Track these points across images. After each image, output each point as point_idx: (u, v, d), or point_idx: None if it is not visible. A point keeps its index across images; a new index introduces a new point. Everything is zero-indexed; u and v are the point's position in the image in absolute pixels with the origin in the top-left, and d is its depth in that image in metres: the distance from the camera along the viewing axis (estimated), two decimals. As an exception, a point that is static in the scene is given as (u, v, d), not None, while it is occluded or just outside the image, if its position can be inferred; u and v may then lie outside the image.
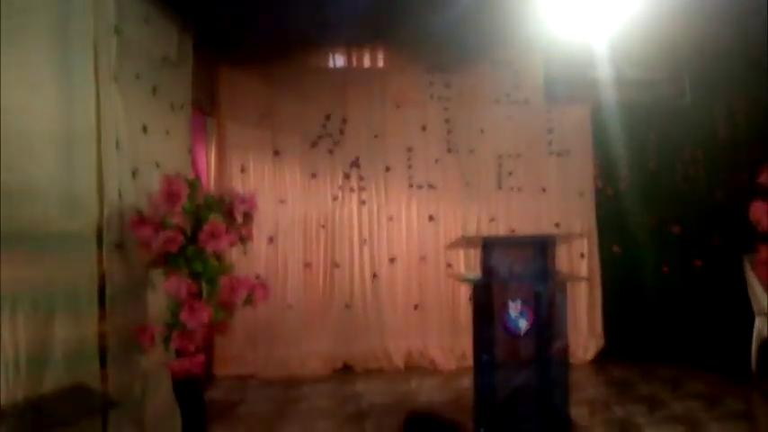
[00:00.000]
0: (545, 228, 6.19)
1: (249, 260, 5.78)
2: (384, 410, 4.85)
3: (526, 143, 6.34)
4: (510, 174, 6.33)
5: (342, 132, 6.17)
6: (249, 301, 3.27)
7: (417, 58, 6.24)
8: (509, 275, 3.86)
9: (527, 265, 3.90)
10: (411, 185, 6.26)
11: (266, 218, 5.92)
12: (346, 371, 6.05)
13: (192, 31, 4.69)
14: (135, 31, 3.68)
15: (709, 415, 4.58)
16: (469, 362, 4.72)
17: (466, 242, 5.39)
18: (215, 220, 3.13)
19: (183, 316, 3.02)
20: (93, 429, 3.04)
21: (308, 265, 6.11)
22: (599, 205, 6.42)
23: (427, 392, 5.38)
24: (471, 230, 6.21)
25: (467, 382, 5.04)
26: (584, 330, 6.30)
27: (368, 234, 6.21)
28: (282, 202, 6.11)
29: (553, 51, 6.11)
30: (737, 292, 5.54)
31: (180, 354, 3.17)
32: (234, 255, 5.33)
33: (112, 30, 3.37)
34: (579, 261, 6.34)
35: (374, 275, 6.19)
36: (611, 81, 6.09)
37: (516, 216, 6.29)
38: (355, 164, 6.19)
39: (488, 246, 3.92)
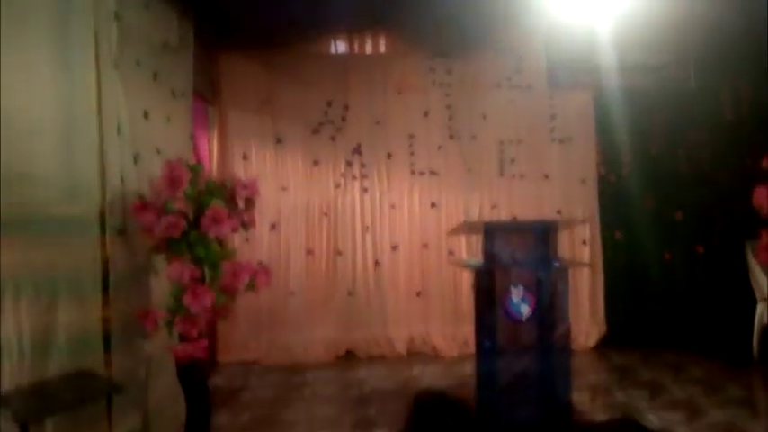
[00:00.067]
0: (547, 215, 6.17)
1: (252, 247, 5.81)
2: (387, 396, 4.88)
3: (528, 129, 6.31)
4: (512, 160, 6.31)
5: (343, 119, 6.16)
6: (252, 286, 3.27)
7: (419, 43, 6.20)
8: (511, 261, 3.86)
9: (529, 251, 3.90)
10: (413, 172, 6.25)
11: (268, 205, 5.93)
12: (349, 357, 6.08)
13: (193, 18, 4.67)
14: (135, 16, 3.66)
15: (710, 400, 4.59)
16: (471, 349, 4.72)
17: (468, 228, 5.39)
18: (217, 206, 3.13)
19: (186, 300, 3.03)
20: (97, 414, 3.06)
21: (310, 252, 6.12)
22: (601, 192, 6.39)
23: (429, 379, 5.40)
24: (473, 217, 6.20)
25: (469, 368, 5.06)
26: (586, 316, 6.30)
27: (370, 221, 6.21)
28: (284, 189, 6.11)
29: (556, 36, 6.07)
30: (739, 278, 5.54)
31: (183, 338, 3.18)
32: (236, 242, 5.37)
33: (112, 15, 3.35)
34: (581, 247, 6.33)
35: (376, 263, 6.20)
36: (615, 66, 6.04)
37: (518, 203, 6.28)
38: (357, 151, 6.18)
39: (490, 231, 3.92)
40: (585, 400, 4.67)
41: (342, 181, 6.18)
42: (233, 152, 6.06)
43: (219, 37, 5.74)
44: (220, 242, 3.23)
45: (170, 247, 3.12)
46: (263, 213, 5.80)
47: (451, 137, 6.27)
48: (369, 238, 6.21)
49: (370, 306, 6.17)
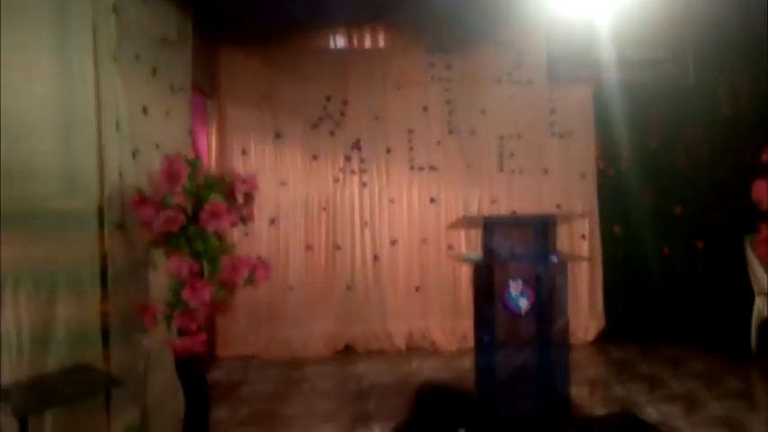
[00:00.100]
0: (546, 209, 6.18)
1: (251, 242, 5.81)
2: (386, 391, 4.88)
3: (528, 124, 6.30)
4: (511, 155, 6.31)
5: (343, 114, 6.15)
6: (250, 280, 3.27)
7: (418, 38, 6.20)
8: (510, 255, 3.86)
9: (528, 246, 3.89)
10: (412, 167, 6.25)
11: (267, 200, 5.93)
12: (348, 352, 6.09)
13: (191, 12, 4.65)
14: (133, 10, 3.65)
15: (709, 394, 4.61)
16: (470, 343, 4.74)
17: (467, 222, 5.39)
18: (216, 200, 3.12)
19: (185, 295, 3.03)
20: (95, 408, 3.07)
21: (309, 247, 6.12)
22: (600, 186, 6.40)
23: (428, 373, 5.40)
24: (473, 212, 6.20)
25: (468, 362, 5.07)
26: (584, 311, 6.32)
27: (369, 216, 6.21)
28: (283, 184, 6.10)
29: (556, 31, 6.07)
30: (738, 272, 5.55)
31: (182, 333, 3.18)
32: (235, 236, 5.38)
33: (111, 9, 3.34)
34: (580, 242, 6.34)
35: (375, 257, 6.20)
36: (614, 60, 6.04)
37: (518, 198, 6.28)
38: (356, 146, 6.18)
39: (489, 226, 3.91)
40: (584, 394, 4.68)
41: (341, 176, 6.18)
42: (232, 147, 6.06)
43: (218, 31, 5.72)
44: (219, 236, 3.23)
45: (169, 241, 3.12)
46: (262, 208, 5.81)
47: (451, 132, 6.26)
48: (368, 232, 6.21)
49: (369, 301, 6.17)
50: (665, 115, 6.31)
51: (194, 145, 4.92)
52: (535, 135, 6.32)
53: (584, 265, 6.32)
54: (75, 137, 3.08)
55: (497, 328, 3.85)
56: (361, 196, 6.21)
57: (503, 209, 6.24)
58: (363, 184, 6.20)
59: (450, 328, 6.16)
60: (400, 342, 6.13)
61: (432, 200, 6.25)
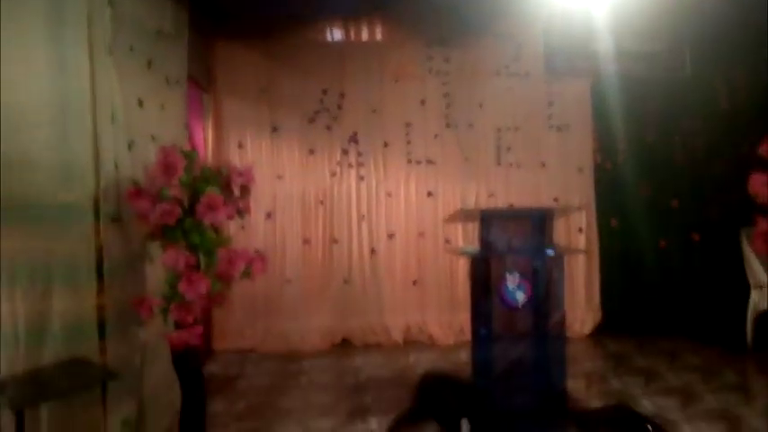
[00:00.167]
0: (544, 202, 6.17)
1: (247, 236, 5.80)
2: (383, 384, 4.89)
3: (525, 117, 6.30)
4: (509, 149, 6.30)
5: (340, 107, 6.14)
6: (247, 273, 3.26)
7: (416, 31, 6.18)
8: (507, 248, 3.85)
9: (525, 239, 3.88)
10: (410, 161, 6.24)
11: (264, 194, 5.92)
12: (345, 345, 6.09)
13: (187, 4, 4.62)
14: (129, 3, 3.62)
15: (705, 387, 4.62)
16: (467, 337, 4.73)
17: (464, 215, 5.39)
18: (212, 193, 3.11)
19: (182, 287, 3.01)
20: (91, 401, 3.06)
21: (306, 240, 6.12)
22: (598, 180, 6.40)
23: (426, 366, 5.40)
24: (470, 206, 6.19)
25: (464, 356, 5.09)
26: (581, 304, 6.33)
27: (366, 210, 6.21)
28: (280, 177, 6.09)
29: (554, 23, 6.04)
30: (734, 265, 5.55)
31: (178, 326, 3.18)
32: (232, 230, 5.38)
33: (106, 2, 3.31)
34: (577, 235, 6.34)
35: (373, 251, 6.20)
36: (612, 53, 6.02)
37: (515, 191, 6.28)
38: (353, 139, 6.16)
39: (486, 218, 3.90)
40: (581, 387, 4.70)
41: (338, 169, 6.17)
42: (228, 140, 6.05)
43: (215, 24, 5.70)
44: (216, 229, 3.21)
45: (165, 234, 3.11)
46: (259, 202, 5.80)
47: (448, 125, 6.26)
48: (365, 226, 6.20)
49: (367, 294, 6.17)
50: (662, 108, 6.31)
51: (191, 138, 4.91)
52: (533, 128, 6.32)
53: (581, 259, 6.33)
54: (71, 129, 3.05)
55: (494, 321, 3.85)
56: (358, 190, 6.20)
57: (500, 202, 6.24)
58: (360, 178, 6.19)
59: (447, 322, 6.17)
60: (397, 335, 6.14)
61: (429, 193, 6.24)
